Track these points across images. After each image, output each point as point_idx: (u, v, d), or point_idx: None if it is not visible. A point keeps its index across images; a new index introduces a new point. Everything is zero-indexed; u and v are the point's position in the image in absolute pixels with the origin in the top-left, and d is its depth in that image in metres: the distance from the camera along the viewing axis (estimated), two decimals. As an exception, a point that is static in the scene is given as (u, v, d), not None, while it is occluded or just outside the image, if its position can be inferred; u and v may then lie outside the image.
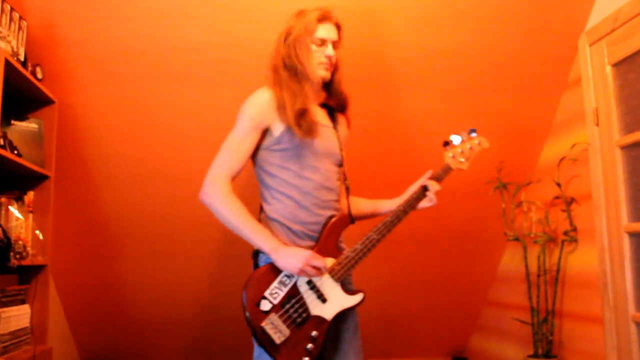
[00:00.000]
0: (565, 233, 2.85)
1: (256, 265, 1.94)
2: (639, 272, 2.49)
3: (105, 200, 3.03)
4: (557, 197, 2.94)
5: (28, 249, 2.52)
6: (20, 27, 2.44)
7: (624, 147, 2.58)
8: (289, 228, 1.95)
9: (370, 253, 1.96)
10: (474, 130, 2.23)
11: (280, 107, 1.94)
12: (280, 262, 1.84)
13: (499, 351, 3.51)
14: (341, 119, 2.18)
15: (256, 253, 1.95)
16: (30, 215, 2.59)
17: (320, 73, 2.02)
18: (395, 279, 3.51)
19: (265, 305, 1.81)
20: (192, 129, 2.86)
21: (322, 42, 2.01)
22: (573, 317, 2.85)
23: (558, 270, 2.88)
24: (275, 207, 1.97)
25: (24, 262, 2.42)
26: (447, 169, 2.18)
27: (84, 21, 2.55)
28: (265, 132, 1.98)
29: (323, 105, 2.14)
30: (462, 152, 2.20)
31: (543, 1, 2.72)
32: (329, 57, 2.02)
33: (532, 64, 2.90)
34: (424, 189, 2.11)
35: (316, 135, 1.95)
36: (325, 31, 2.02)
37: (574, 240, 2.84)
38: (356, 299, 1.95)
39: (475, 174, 3.13)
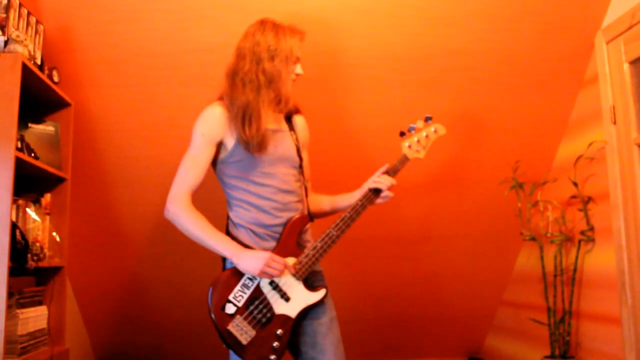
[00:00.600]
0: (582, 232, 2.82)
1: (224, 268, 2.04)
2: (658, 271, 2.47)
3: (122, 202, 3.05)
4: (573, 197, 2.91)
5: (45, 250, 2.54)
6: (37, 31, 2.46)
7: (642, 146, 2.55)
8: (252, 231, 2.03)
9: (330, 249, 2.02)
10: (430, 118, 2.23)
11: (238, 120, 1.99)
12: (241, 266, 1.92)
13: (515, 352, 3.48)
14: (299, 119, 2.22)
15: (224, 259, 2.04)
16: (47, 218, 2.61)
17: (290, 89, 2.11)
18: (411, 279, 3.50)
19: (230, 309, 1.91)
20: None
21: (296, 61, 2.11)
22: (590, 318, 2.82)
23: (575, 270, 2.85)
24: (238, 214, 2.05)
25: (41, 264, 2.44)
26: (404, 160, 2.19)
27: (100, 24, 2.58)
28: (219, 146, 2.05)
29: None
30: (419, 141, 2.21)
31: (559, -1, 2.70)
32: (298, 75, 2.13)
33: (548, 62, 2.88)
34: (376, 191, 2.13)
35: (267, 149, 2.01)
36: (301, 51, 2.12)
37: (591, 239, 2.81)
38: (318, 295, 2.01)
39: (490, 173, 3.12)
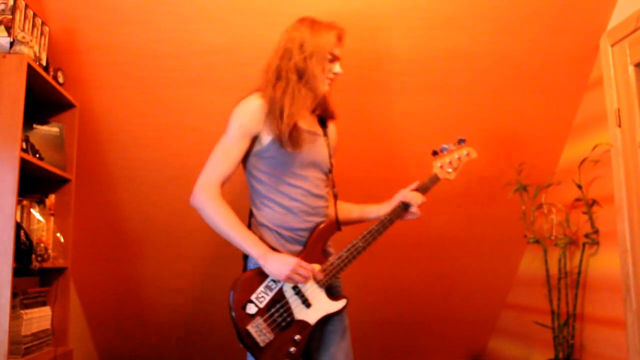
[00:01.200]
0: (587, 235, 2.82)
1: (245, 267, 2.01)
2: (663, 275, 2.46)
3: (125, 203, 3.05)
4: (578, 199, 2.90)
5: (49, 251, 2.54)
6: (42, 33, 2.47)
7: (647, 149, 2.55)
8: (278, 233, 2.00)
9: (355, 260, 2.01)
10: (463, 140, 2.25)
11: (273, 114, 1.96)
12: (267, 268, 1.90)
13: (518, 354, 3.47)
14: (331, 125, 2.21)
15: (246, 255, 2.01)
16: (52, 218, 2.62)
17: (325, 88, 2.07)
18: (414, 281, 3.50)
19: (251, 309, 1.89)
20: (211, 132, 2.83)
21: (334, 59, 2.06)
22: (595, 321, 2.81)
23: (579, 273, 2.84)
24: (264, 213, 2.02)
25: (45, 265, 2.45)
26: (435, 179, 2.21)
27: (105, 26, 2.58)
28: (255, 139, 2.02)
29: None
30: (450, 162, 2.23)
31: (564, 1, 2.69)
32: (336, 74, 2.08)
33: (553, 65, 2.88)
34: (406, 206, 2.14)
35: (301, 147, 1.98)
36: (339, 50, 2.08)
37: (596, 242, 2.81)
38: (339, 304, 2.00)
39: (494, 176, 3.12)
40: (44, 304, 2.54)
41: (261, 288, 1.91)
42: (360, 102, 2.90)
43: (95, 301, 3.34)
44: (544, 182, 3.09)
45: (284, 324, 1.90)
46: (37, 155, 2.42)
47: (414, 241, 3.34)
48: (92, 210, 3.05)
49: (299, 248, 2.00)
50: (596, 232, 2.80)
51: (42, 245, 2.47)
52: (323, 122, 2.16)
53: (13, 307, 2.17)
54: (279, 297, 1.92)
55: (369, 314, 3.59)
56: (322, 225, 2.03)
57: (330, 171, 2.13)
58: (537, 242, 3.04)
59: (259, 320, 1.88)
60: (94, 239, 3.14)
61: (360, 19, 2.67)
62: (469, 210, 3.25)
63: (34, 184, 2.58)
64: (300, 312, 1.93)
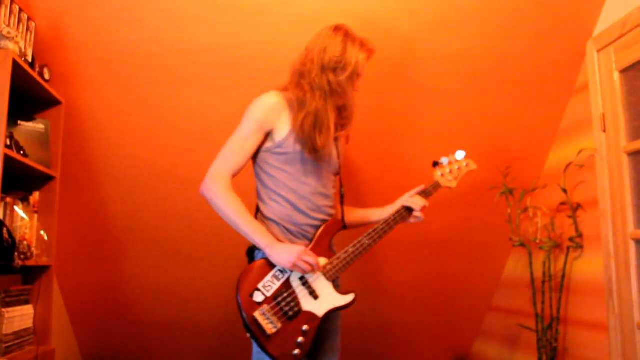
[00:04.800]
0: (571, 239, 2.84)
1: (251, 262, 2.02)
2: (646, 279, 2.48)
3: (111, 201, 3.03)
4: (563, 203, 2.93)
5: (32, 249, 2.52)
6: (28, 28, 2.45)
7: (631, 154, 2.57)
8: (285, 228, 2.03)
9: (361, 257, 2.05)
10: (463, 154, 2.37)
11: (305, 125, 1.99)
12: (274, 257, 1.92)
13: (502, 357, 3.49)
14: (342, 131, 2.22)
15: (251, 250, 2.03)
16: (35, 216, 2.60)
17: (354, 102, 2.13)
18: (399, 283, 3.50)
19: (258, 297, 1.90)
20: (198, 131, 2.86)
21: (359, 77, 2.11)
22: (578, 324, 2.83)
23: (563, 277, 2.86)
24: (271, 208, 2.05)
25: (28, 263, 2.42)
26: (437, 186, 2.30)
27: (92, 23, 2.56)
28: (268, 134, 2.04)
29: None
30: (451, 172, 2.34)
31: (550, 6, 2.72)
32: (356, 91, 2.14)
33: (539, 69, 2.90)
34: (409, 210, 2.20)
35: (322, 159, 2.04)
36: (365, 68, 2.12)
37: (580, 246, 2.83)
38: (348, 298, 2.03)
39: (480, 179, 3.13)
40: (26, 302, 2.52)
41: (268, 277, 1.93)
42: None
43: (79, 300, 3.31)
44: (530, 186, 3.11)
45: (291, 313, 1.91)
46: (22, 152, 2.40)
47: (399, 243, 3.34)
48: (76, 208, 3.02)
49: (305, 242, 2.04)
50: (580, 236, 2.82)
51: (25, 243, 2.45)
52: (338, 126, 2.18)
53: (-6, 305, 2.15)
54: (286, 287, 1.94)
55: (353, 315, 3.59)
56: (329, 221, 2.08)
57: (338, 172, 2.18)
58: (522, 245, 3.06)
59: (266, 308, 1.89)
60: (79, 237, 3.11)
61: (349, 20, 2.66)
62: (455, 213, 3.26)
63: (18, 181, 2.56)
64: (308, 303, 1.95)
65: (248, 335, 1.89)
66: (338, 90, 2.04)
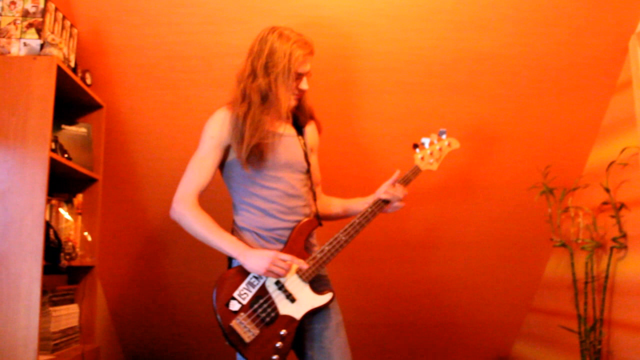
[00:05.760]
0: (614, 239, 2.77)
1: (229, 268, 2.04)
2: (693, 280, 2.41)
3: (151, 203, 3.09)
4: (605, 203, 2.86)
5: (77, 250, 2.59)
6: (71, 35, 2.51)
7: (677, 151, 2.50)
8: (258, 234, 2.04)
9: (338, 254, 2.02)
10: (444, 132, 2.25)
11: (235, 137, 2.00)
12: (247, 264, 1.93)
13: (543, 359, 3.43)
14: (309, 127, 2.21)
15: (230, 259, 2.05)
16: (79, 217, 2.66)
17: (291, 104, 2.09)
18: (439, 284, 3.48)
19: (234, 306, 1.91)
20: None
21: (300, 76, 2.06)
22: (623, 326, 2.77)
23: (607, 277, 2.80)
24: (243, 217, 2.07)
25: (73, 263, 2.49)
26: (416, 171, 2.19)
27: (132, 28, 2.62)
28: (228, 149, 2.07)
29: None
30: (432, 154, 2.22)
31: (592, 2, 2.66)
32: (302, 91, 2.09)
33: (580, 66, 2.84)
34: (386, 201, 2.12)
35: (260, 166, 2.01)
36: (306, 66, 2.07)
37: (624, 247, 2.76)
38: (325, 298, 2.01)
39: (520, 179, 3.09)
40: (71, 301, 2.59)
41: (243, 285, 1.94)
42: (385, 102, 2.90)
43: (121, 300, 3.39)
44: (571, 185, 3.05)
45: (268, 319, 1.92)
46: (66, 155, 2.46)
47: (440, 244, 3.32)
48: (118, 209, 3.09)
49: (280, 246, 2.03)
50: (624, 236, 2.75)
51: (70, 243, 2.52)
52: (298, 123, 2.17)
53: (42, 305, 2.21)
54: (262, 292, 1.94)
55: (390, 316, 3.58)
56: (302, 222, 2.05)
57: (307, 170, 2.14)
58: (563, 245, 3.00)
59: (242, 316, 1.90)
60: (121, 238, 3.18)
61: (381, 20, 2.66)
62: (494, 212, 3.23)
63: (63, 183, 2.63)
64: (285, 307, 1.95)
65: (226, 343, 1.91)
66: (272, 96, 2.02)
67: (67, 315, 2.49)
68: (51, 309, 2.35)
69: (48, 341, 2.31)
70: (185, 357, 3.69)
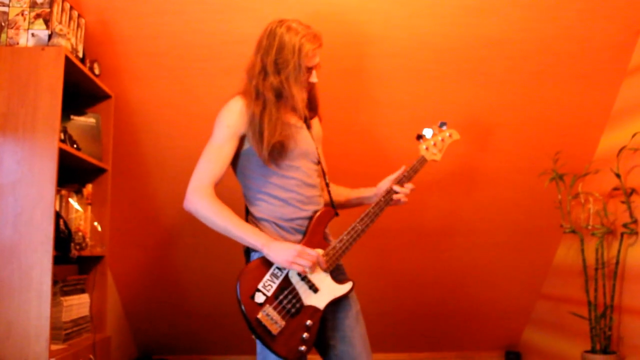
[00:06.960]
0: (625, 225, 2.76)
1: (248, 261, 2.01)
2: None
3: (161, 192, 3.10)
4: (616, 188, 2.84)
5: (87, 240, 2.60)
6: (78, 25, 2.51)
7: (690, 136, 2.47)
8: (277, 225, 2.00)
9: (355, 243, 2.01)
10: (444, 123, 2.27)
11: (254, 133, 1.96)
12: (272, 256, 1.89)
13: (553, 346, 3.43)
14: (314, 121, 2.20)
15: (247, 250, 2.01)
16: (89, 208, 2.67)
17: (304, 97, 2.05)
18: (449, 271, 3.48)
19: (259, 298, 1.88)
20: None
21: (310, 70, 2.03)
22: (633, 312, 2.76)
23: (617, 264, 2.79)
24: (261, 207, 2.03)
25: (83, 253, 2.50)
26: (423, 161, 2.19)
27: (139, 17, 2.61)
28: (243, 138, 2.02)
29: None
30: (435, 144, 2.23)
31: (602, -16, 2.63)
32: (312, 84, 2.07)
33: (590, 51, 2.81)
34: (390, 193, 2.11)
35: (277, 161, 1.98)
36: (316, 59, 2.04)
37: (635, 232, 2.74)
38: (346, 287, 2.00)
39: (530, 164, 3.07)
40: (82, 291, 2.60)
41: (267, 276, 1.91)
42: (394, 88, 2.89)
43: (131, 289, 3.41)
44: (581, 171, 3.03)
45: (293, 310, 1.90)
46: (75, 146, 2.47)
47: (449, 231, 3.32)
48: (128, 199, 3.10)
49: (299, 237, 2.01)
50: (635, 222, 2.74)
51: (80, 233, 2.53)
52: (305, 115, 2.13)
53: (54, 295, 2.22)
54: (286, 284, 1.92)
55: (403, 304, 3.59)
56: (319, 212, 2.04)
57: (318, 161, 2.13)
58: (573, 232, 2.99)
59: (268, 309, 1.87)
60: (130, 227, 3.19)
61: (390, 7, 2.64)
62: (504, 199, 3.21)
63: (72, 174, 2.63)
64: (309, 298, 1.94)
65: (253, 336, 1.89)
66: (286, 93, 1.99)
67: (78, 305, 2.50)
68: (62, 298, 2.37)
69: (60, 330, 2.32)
70: (196, 346, 3.71)
